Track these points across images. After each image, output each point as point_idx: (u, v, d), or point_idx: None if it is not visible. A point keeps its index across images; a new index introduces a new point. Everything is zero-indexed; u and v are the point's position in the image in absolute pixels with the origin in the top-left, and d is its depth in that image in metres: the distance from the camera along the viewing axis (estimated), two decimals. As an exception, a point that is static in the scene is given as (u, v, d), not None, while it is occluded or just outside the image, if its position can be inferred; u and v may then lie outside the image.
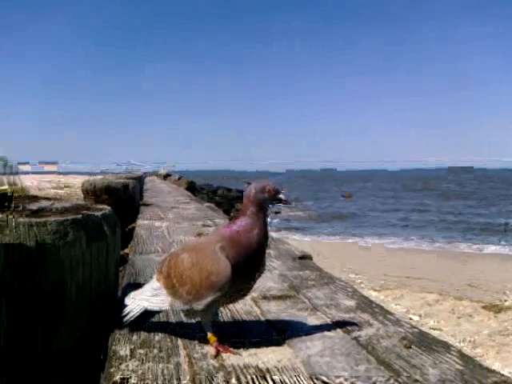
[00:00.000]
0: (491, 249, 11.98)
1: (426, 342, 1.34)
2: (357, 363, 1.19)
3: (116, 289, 1.66)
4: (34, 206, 1.61)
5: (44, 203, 1.72)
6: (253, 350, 1.25)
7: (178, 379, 1.07)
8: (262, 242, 1.26)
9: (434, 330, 4.83)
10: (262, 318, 1.54)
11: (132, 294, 1.40)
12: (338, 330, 1.42)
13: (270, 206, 1.31)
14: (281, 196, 1.30)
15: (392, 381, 1.09)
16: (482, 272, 8.52)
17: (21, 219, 1.33)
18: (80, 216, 1.45)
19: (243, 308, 1.63)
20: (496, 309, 5.90)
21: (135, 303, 1.34)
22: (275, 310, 1.62)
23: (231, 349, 1.24)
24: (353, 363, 1.19)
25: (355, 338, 1.36)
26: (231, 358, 1.20)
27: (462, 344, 4.25)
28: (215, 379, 1.07)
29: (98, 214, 1.54)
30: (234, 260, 1.21)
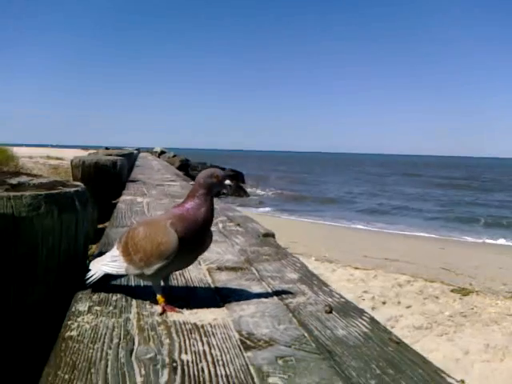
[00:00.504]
0: (471, 236, 12.30)
1: (346, 309, 1.57)
2: (279, 323, 1.41)
3: (85, 256, 1.88)
4: (14, 181, 1.82)
5: (24, 178, 1.93)
6: (195, 311, 1.48)
7: (126, 330, 1.30)
8: (208, 218, 1.49)
9: (402, 314, 5.04)
10: (212, 286, 1.76)
11: (95, 260, 1.62)
12: (274, 298, 1.65)
13: (216, 189, 1.53)
14: (226, 182, 1.53)
15: (302, 337, 1.32)
16: (458, 257, 8.80)
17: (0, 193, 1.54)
18: (54, 191, 1.66)
19: (197, 276, 1.86)
20: (464, 292, 6.15)
21: (97, 268, 1.56)
22: (224, 280, 1.85)
23: (176, 308, 1.47)
24: (276, 323, 1.41)
25: (286, 304, 1.59)
26: (174, 316, 1.42)
27: (420, 323, 4.52)
28: (156, 331, 1.30)
29: (71, 190, 1.75)
30: (182, 234, 1.43)
